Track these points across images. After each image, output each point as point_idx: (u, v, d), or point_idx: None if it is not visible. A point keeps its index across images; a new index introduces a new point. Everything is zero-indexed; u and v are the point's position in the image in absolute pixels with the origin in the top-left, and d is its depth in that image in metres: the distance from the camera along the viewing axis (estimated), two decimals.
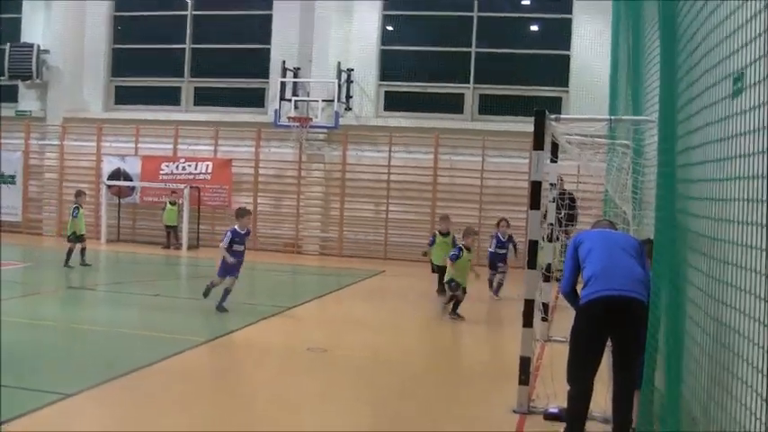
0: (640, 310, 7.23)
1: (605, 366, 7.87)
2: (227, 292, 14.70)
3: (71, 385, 9.15)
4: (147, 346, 11.88)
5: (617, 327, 7.40)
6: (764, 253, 4.33)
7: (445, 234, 18.16)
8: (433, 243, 18.26)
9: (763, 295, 4.42)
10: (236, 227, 14.87)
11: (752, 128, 4.48)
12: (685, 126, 6.27)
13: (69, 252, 20.24)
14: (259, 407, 9.31)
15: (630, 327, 7.29)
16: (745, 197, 4.68)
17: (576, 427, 7.41)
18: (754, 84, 4.50)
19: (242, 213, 15.30)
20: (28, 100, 29.84)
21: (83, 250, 20.49)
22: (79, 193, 21.24)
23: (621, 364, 7.54)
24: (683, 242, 6.23)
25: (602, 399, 8.20)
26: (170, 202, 26.88)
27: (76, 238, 20.46)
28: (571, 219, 21.18)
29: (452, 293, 15.14)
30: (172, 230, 27.05)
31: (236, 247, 14.76)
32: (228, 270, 14.79)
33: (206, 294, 14.94)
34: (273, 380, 10.79)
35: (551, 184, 12.76)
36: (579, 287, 7.88)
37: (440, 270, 17.49)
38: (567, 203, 21.97)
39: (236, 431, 8.25)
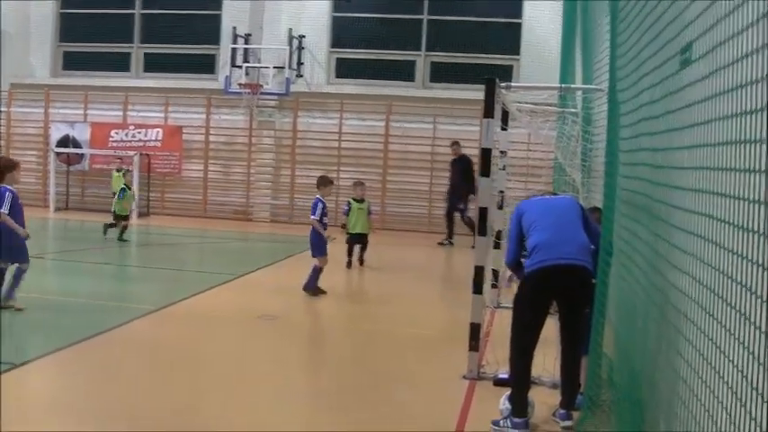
0: (585, 276, 7.29)
1: (553, 332, 7.94)
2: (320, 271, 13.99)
3: (20, 354, 9.11)
4: (96, 315, 11.81)
5: (563, 294, 7.45)
6: (706, 219, 4.39)
7: (360, 201, 17.62)
8: (348, 211, 17.59)
9: (706, 259, 4.48)
10: (319, 196, 14.27)
11: (699, 98, 4.53)
12: (634, 96, 6.32)
13: (113, 227, 19.59)
14: (210, 374, 9.31)
15: (576, 294, 7.36)
16: (694, 165, 4.74)
17: (521, 391, 7.47)
18: (702, 55, 4.55)
19: (326, 182, 14.56)
20: None
21: (124, 228, 19.64)
22: (126, 173, 20.34)
23: (568, 331, 7.61)
24: (632, 209, 6.29)
25: (550, 364, 8.29)
26: (116, 170, 26.66)
27: (120, 218, 19.57)
28: (471, 184, 21.41)
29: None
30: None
31: (326, 220, 14.14)
32: (324, 246, 14.07)
33: (314, 291, 13.87)
34: (225, 347, 10.79)
35: (502, 152, 12.79)
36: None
37: (355, 240, 17.39)
38: (466, 168, 22.23)
39: (187, 399, 8.24)
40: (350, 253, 17.30)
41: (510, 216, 8.50)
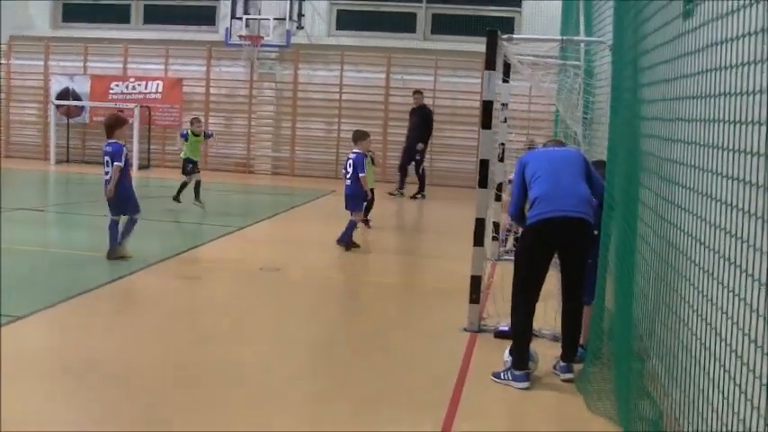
0: (586, 229, 7.30)
1: (555, 284, 7.95)
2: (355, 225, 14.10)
3: (22, 307, 9.13)
4: (98, 268, 11.83)
5: (564, 246, 7.45)
6: (710, 174, 4.38)
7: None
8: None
9: (708, 218, 4.48)
10: (358, 150, 14.08)
11: (701, 47, 4.50)
12: (637, 47, 6.29)
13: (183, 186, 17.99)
14: (210, 326, 9.34)
15: (577, 246, 7.36)
16: (696, 117, 4.72)
17: (521, 343, 7.48)
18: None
19: (363, 135, 14.44)
20: None
21: (197, 183, 17.84)
22: (193, 121, 18.80)
23: (568, 284, 7.62)
24: (636, 163, 6.27)
25: (551, 317, 8.32)
26: None
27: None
28: (427, 134, 21.36)
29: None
30: None
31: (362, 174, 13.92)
32: (362, 202, 14.11)
33: (348, 245, 13.89)
34: (226, 299, 10.82)
35: (503, 104, 12.75)
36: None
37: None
38: (426, 119, 22.10)
39: (187, 350, 8.27)
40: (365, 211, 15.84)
41: (513, 168, 8.46)
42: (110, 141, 12.07)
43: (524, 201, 7.96)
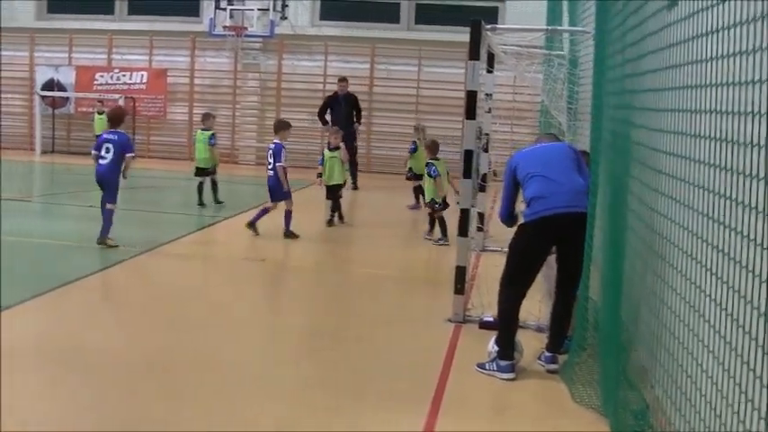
0: (583, 222, 7.28)
1: (540, 276, 7.95)
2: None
3: (6, 298, 9.09)
4: (83, 258, 11.82)
5: (563, 242, 7.42)
6: (696, 164, 4.39)
7: (333, 149, 15.70)
8: (322, 161, 15.63)
9: (694, 205, 4.49)
10: (278, 140, 13.97)
11: (685, 38, 4.51)
12: (621, 38, 6.30)
13: (200, 189, 17.47)
14: (195, 314, 9.33)
15: (576, 239, 7.31)
16: (680, 107, 4.73)
17: (509, 333, 7.47)
18: None
19: (285, 125, 14.40)
20: None
21: (214, 184, 17.61)
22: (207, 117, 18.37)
23: (565, 276, 7.58)
24: (624, 154, 6.28)
25: (535, 308, 8.33)
26: (98, 112, 26.60)
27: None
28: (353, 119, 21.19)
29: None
30: None
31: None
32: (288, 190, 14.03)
33: (252, 227, 13.89)
34: (209, 289, 10.86)
35: (487, 95, 12.74)
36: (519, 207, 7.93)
37: (332, 193, 15.65)
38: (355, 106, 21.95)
39: (172, 337, 8.27)
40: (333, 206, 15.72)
41: (506, 163, 8.40)
42: (116, 131, 12.54)
43: (515, 204, 7.96)
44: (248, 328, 8.94)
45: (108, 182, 12.36)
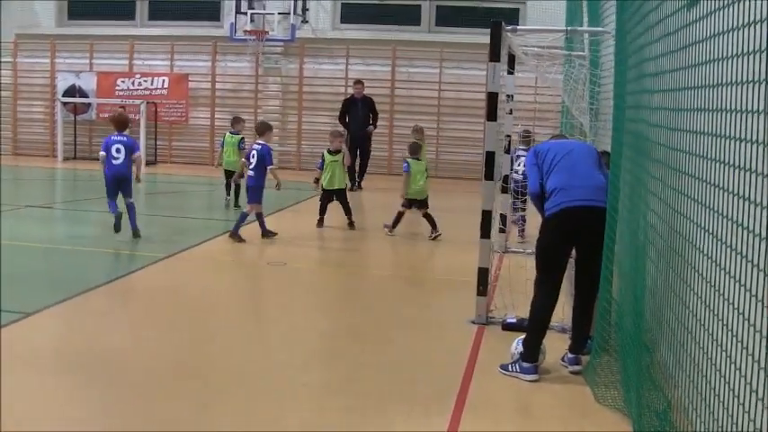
0: (604, 218, 7.26)
1: (564, 277, 7.93)
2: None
3: (30, 304, 9.15)
4: (107, 264, 11.89)
5: (582, 238, 7.40)
6: (717, 163, 4.37)
7: (335, 152, 15.43)
8: (322, 165, 15.40)
9: (714, 206, 4.47)
10: (262, 142, 14.16)
11: (705, 36, 4.49)
12: (641, 38, 6.28)
13: (228, 187, 17.92)
14: (219, 319, 9.36)
15: (595, 236, 7.28)
16: (700, 107, 4.71)
17: (537, 335, 7.43)
18: None
19: (268, 127, 14.67)
20: None
21: (237, 188, 17.63)
22: (237, 120, 18.66)
23: (585, 275, 7.56)
24: (644, 154, 6.25)
25: (559, 309, 8.32)
26: None
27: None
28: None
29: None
30: None
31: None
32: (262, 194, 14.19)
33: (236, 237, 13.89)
34: (233, 293, 10.88)
35: (508, 96, 12.73)
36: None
37: (329, 196, 15.42)
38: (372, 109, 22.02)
39: (198, 342, 8.29)
40: (322, 211, 15.46)
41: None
42: (125, 134, 13.76)
43: (541, 177, 7.92)
44: (272, 332, 8.98)
45: (126, 179, 13.49)
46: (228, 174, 17.66)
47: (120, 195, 13.57)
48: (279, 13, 26.16)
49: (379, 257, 13.73)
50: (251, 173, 14.00)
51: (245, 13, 26.42)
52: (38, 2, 28.81)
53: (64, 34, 28.66)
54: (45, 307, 9.16)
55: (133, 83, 27.71)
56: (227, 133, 18.08)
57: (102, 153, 13.59)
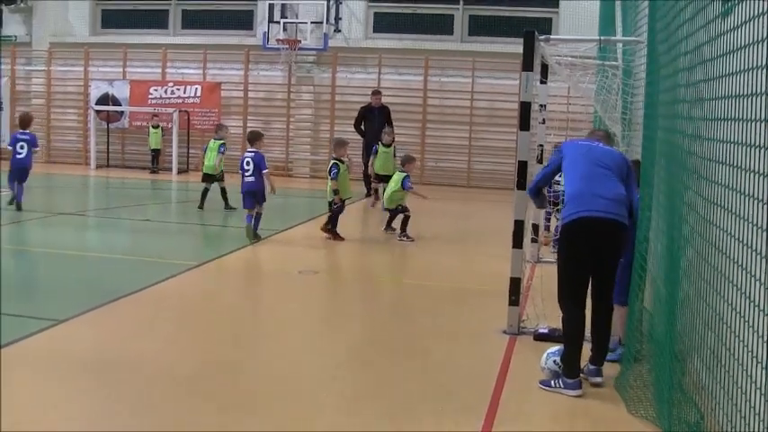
0: (620, 231, 7.17)
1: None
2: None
3: (63, 311, 9.19)
4: (138, 271, 11.92)
5: (596, 248, 7.30)
6: (752, 174, 4.34)
7: (342, 161, 15.17)
8: (336, 174, 14.91)
9: (746, 216, 4.44)
10: (255, 149, 14.64)
11: (740, 46, 4.46)
12: (675, 47, 6.25)
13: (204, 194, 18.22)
14: (251, 327, 9.40)
15: (609, 248, 7.21)
16: (733, 117, 4.68)
17: (574, 350, 7.31)
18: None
19: (258, 136, 15.22)
20: (13, 24, 29.44)
21: (223, 191, 18.17)
22: (220, 127, 19.19)
23: (598, 285, 7.48)
24: (679, 164, 6.21)
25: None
26: (152, 126, 26.93)
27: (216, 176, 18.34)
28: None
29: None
30: (156, 154, 27.19)
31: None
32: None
33: (257, 237, 14.37)
34: (265, 302, 10.90)
35: (541, 106, 12.70)
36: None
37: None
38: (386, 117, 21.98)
39: (230, 351, 8.30)
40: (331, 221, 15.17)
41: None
42: (27, 131, 17.02)
43: (547, 183, 8.26)
44: (303, 339, 8.97)
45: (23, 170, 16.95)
46: (207, 177, 18.28)
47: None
48: (311, 23, 26.21)
49: (411, 267, 13.70)
50: (251, 178, 14.40)
51: (278, 22, 26.49)
52: (72, 11, 29.03)
53: (97, 42, 28.89)
54: (76, 315, 9.18)
55: (166, 91, 27.84)
56: (212, 140, 18.70)
57: (9, 148, 16.96)
